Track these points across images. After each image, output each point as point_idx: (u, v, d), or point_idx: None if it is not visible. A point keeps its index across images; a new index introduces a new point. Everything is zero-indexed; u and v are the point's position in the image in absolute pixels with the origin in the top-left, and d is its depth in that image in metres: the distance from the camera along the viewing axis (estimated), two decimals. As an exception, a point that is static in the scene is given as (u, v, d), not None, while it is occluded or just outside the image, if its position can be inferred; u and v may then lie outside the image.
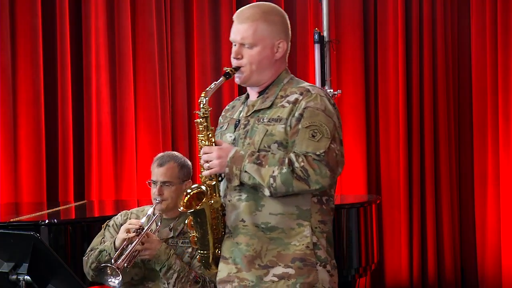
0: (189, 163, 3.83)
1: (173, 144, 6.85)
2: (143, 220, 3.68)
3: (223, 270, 2.85)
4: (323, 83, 6.41)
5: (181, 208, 2.82)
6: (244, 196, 2.81)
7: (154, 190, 3.73)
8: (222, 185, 2.87)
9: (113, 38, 6.69)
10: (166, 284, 3.63)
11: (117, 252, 3.53)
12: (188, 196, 2.84)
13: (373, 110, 7.23)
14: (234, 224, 2.82)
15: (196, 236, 2.86)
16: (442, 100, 7.14)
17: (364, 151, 7.11)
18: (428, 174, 7.12)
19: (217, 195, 2.83)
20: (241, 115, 2.92)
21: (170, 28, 6.92)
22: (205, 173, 2.79)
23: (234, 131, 2.89)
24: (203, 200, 2.79)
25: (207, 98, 2.84)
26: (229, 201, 2.84)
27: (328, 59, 6.52)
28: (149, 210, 3.75)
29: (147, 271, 3.70)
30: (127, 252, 3.51)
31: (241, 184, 2.77)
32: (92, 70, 6.60)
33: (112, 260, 3.49)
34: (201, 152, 2.81)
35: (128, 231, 3.57)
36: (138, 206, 3.98)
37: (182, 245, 3.72)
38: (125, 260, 3.48)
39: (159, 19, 6.79)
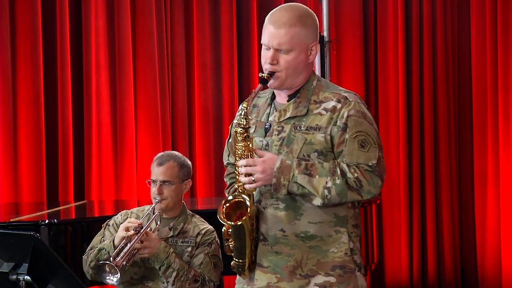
0: (189, 162, 3.83)
1: (173, 144, 6.85)
2: (143, 219, 3.68)
3: (262, 279, 2.83)
4: (323, 83, 6.40)
5: (222, 218, 2.77)
6: (282, 205, 2.79)
7: (153, 189, 3.73)
8: (255, 190, 2.83)
9: (113, 38, 6.69)
10: (165, 283, 3.64)
11: (115, 250, 3.53)
12: (228, 203, 2.80)
13: (373, 110, 7.23)
14: (272, 233, 2.80)
15: (234, 245, 2.83)
16: (442, 100, 7.14)
17: (364, 151, 7.10)
18: (428, 174, 7.12)
19: (253, 202, 2.80)
20: (270, 118, 2.85)
21: (170, 28, 6.92)
22: (250, 186, 2.74)
23: (265, 135, 2.83)
24: (248, 213, 2.74)
25: (249, 108, 2.77)
26: (263, 208, 2.82)
27: (328, 59, 6.52)
28: (149, 209, 3.76)
29: (146, 270, 3.71)
30: (125, 250, 3.51)
31: (287, 193, 2.75)
32: (92, 70, 6.60)
33: (111, 258, 3.49)
34: (243, 163, 2.74)
35: (127, 229, 3.57)
36: (138, 206, 3.98)
37: (181, 244, 3.72)
38: (123, 258, 3.48)
39: (159, 19, 6.79)
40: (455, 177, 7.20)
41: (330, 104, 2.78)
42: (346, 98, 2.79)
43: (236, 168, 2.79)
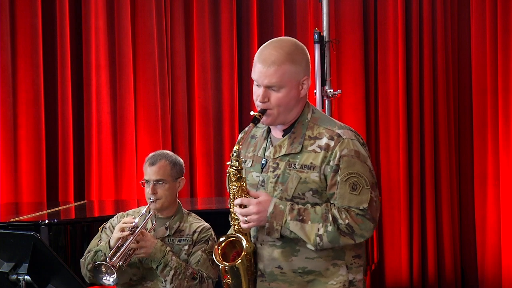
0: (181, 160, 3.82)
1: (173, 144, 6.85)
2: (138, 219, 3.68)
3: None
4: (323, 83, 6.42)
5: (219, 260, 2.81)
6: (279, 242, 2.81)
7: (147, 189, 3.73)
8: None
9: (113, 38, 6.69)
10: (164, 282, 3.63)
11: (111, 251, 3.53)
12: (223, 244, 2.84)
13: (373, 110, 7.23)
14: (269, 269, 2.83)
15: (231, 282, 2.85)
16: (442, 100, 7.14)
17: (364, 151, 7.09)
18: (428, 174, 7.11)
19: (249, 239, 2.84)
20: (266, 153, 2.86)
21: (170, 28, 6.92)
22: (244, 226, 2.78)
23: (262, 171, 2.85)
24: (243, 255, 2.78)
25: (240, 149, 2.80)
26: (260, 244, 2.84)
27: (328, 59, 6.51)
28: (144, 209, 3.75)
29: (145, 271, 3.70)
30: (121, 250, 3.51)
31: (281, 237, 2.78)
32: (92, 70, 6.60)
33: (107, 259, 3.49)
34: (238, 201, 2.78)
35: (122, 229, 3.57)
36: (138, 206, 3.98)
37: (178, 243, 3.72)
38: (119, 258, 3.48)
39: (159, 19, 6.79)
40: (455, 177, 7.19)
41: (324, 141, 2.78)
42: (339, 135, 2.78)
43: (231, 206, 2.82)
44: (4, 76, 6.38)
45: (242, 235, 2.81)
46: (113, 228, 3.74)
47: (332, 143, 2.76)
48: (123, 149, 6.68)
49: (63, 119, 6.52)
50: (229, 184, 2.82)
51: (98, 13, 6.61)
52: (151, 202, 3.70)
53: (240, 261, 2.78)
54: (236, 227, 2.82)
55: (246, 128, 2.82)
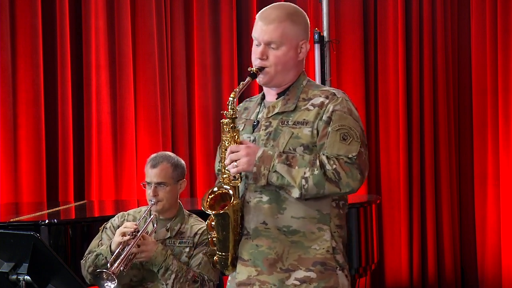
0: (183, 162, 3.81)
1: (173, 144, 6.85)
2: (139, 221, 3.67)
3: (242, 272, 2.82)
4: (323, 83, 6.42)
5: (206, 207, 2.76)
6: (265, 198, 2.79)
7: (149, 191, 3.72)
8: (241, 185, 2.83)
9: (113, 38, 6.69)
10: (165, 285, 3.63)
11: (112, 256, 3.52)
12: (213, 195, 2.80)
13: (373, 110, 7.23)
14: (254, 226, 2.80)
15: (217, 237, 2.81)
16: (442, 100, 7.14)
17: (364, 151, 7.10)
18: (428, 174, 7.12)
19: (238, 195, 2.80)
20: (259, 116, 2.89)
21: (170, 28, 6.92)
22: (233, 170, 2.75)
23: (253, 132, 2.86)
24: (231, 203, 2.75)
25: (235, 99, 2.80)
26: (247, 202, 2.81)
27: (328, 59, 6.52)
28: (145, 210, 3.75)
29: (145, 272, 3.70)
30: (122, 255, 3.50)
31: (267, 184, 2.75)
32: (92, 70, 6.60)
33: (108, 265, 3.49)
34: (228, 151, 2.77)
35: (123, 234, 3.56)
36: (138, 206, 3.98)
37: (179, 245, 3.72)
38: (120, 264, 3.48)
39: (159, 19, 6.79)
40: (455, 177, 7.20)
41: (319, 100, 2.82)
42: (334, 94, 2.84)
43: (222, 159, 2.81)
44: (4, 76, 6.39)
45: (234, 191, 2.78)
46: (114, 228, 3.74)
47: (326, 101, 2.81)
48: (123, 149, 6.68)
49: (63, 119, 6.52)
50: (222, 136, 2.82)
51: (98, 13, 6.61)
52: (152, 204, 3.70)
53: (227, 208, 2.74)
54: (226, 180, 2.80)
55: (244, 82, 2.83)
